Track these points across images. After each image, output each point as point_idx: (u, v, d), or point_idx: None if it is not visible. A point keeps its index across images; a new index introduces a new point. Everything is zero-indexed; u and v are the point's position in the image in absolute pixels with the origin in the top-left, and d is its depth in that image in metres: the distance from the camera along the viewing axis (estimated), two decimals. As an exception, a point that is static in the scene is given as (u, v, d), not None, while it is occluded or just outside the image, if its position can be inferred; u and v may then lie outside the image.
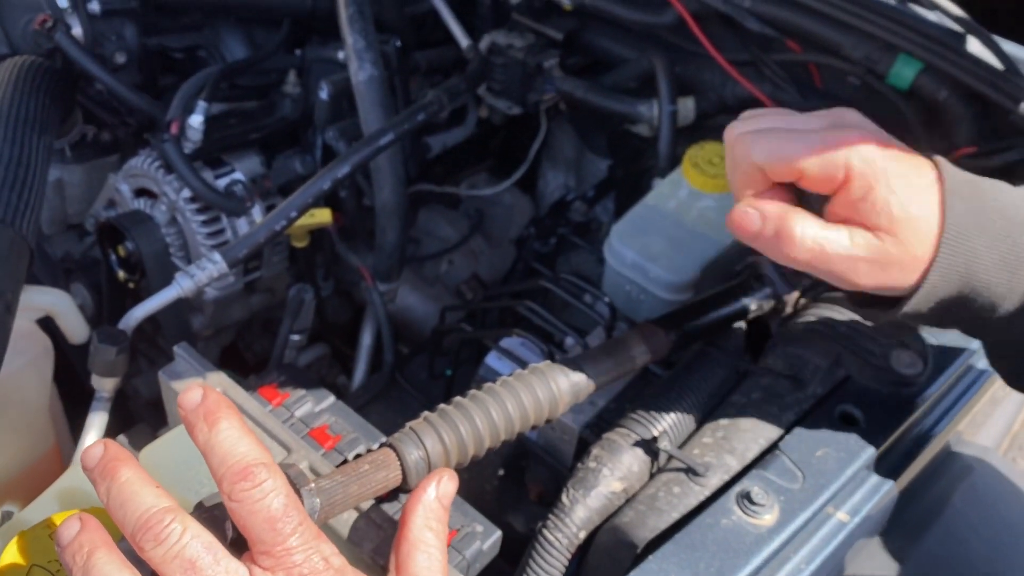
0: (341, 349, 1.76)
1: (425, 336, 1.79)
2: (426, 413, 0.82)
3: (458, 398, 0.84)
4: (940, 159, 0.77)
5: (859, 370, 1.06)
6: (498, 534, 0.86)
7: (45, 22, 1.39)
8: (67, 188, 1.58)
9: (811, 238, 0.74)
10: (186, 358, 0.93)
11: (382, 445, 0.79)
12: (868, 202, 0.73)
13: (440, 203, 1.93)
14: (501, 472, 1.16)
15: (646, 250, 1.27)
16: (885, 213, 0.73)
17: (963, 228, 0.74)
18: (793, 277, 1.08)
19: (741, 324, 1.11)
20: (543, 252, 1.71)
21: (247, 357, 1.78)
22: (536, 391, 0.87)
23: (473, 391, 0.84)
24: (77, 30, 1.44)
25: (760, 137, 0.76)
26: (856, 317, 1.10)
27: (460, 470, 1.19)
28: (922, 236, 0.74)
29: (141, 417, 1.63)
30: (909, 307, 0.78)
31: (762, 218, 0.74)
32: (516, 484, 1.18)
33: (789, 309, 1.10)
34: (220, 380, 0.94)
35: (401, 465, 0.77)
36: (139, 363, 1.68)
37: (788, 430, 1.00)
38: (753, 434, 1.00)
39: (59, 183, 1.57)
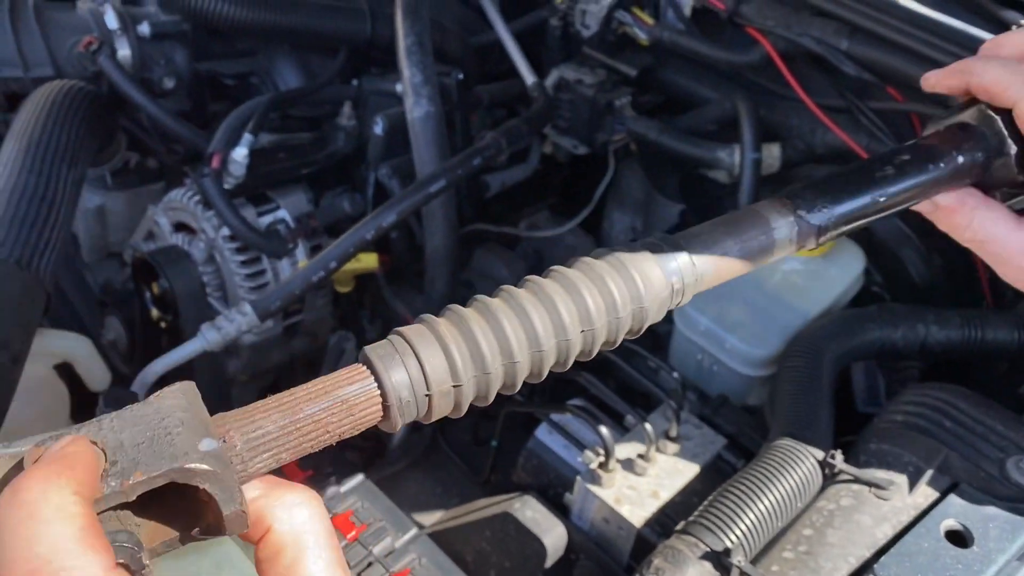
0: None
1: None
2: (426, 315, 0.53)
3: (481, 296, 0.54)
4: None
5: (969, 477, 0.91)
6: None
7: (90, 44, 1.32)
8: (109, 215, 1.52)
9: (973, 233, 0.69)
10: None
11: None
12: None
13: (497, 241, 1.83)
14: (547, 565, 1.03)
15: (722, 317, 1.14)
16: None
17: None
18: None
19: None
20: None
21: (287, 398, 1.69)
22: (610, 285, 0.56)
23: (506, 286, 0.55)
24: (125, 52, 1.38)
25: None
26: (967, 408, 0.96)
27: (499, 560, 1.08)
28: None
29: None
30: None
31: (936, 206, 0.69)
32: (564, 579, 1.05)
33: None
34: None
35: (378, 380, 0.49)
36: (174, 401, 1.60)
37: (884, 547, 0.86)
38: (842, 550, 0.86)
39: (101, 210, 1.50)
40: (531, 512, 1.03)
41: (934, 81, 0.71)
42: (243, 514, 0.41)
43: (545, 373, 0.53)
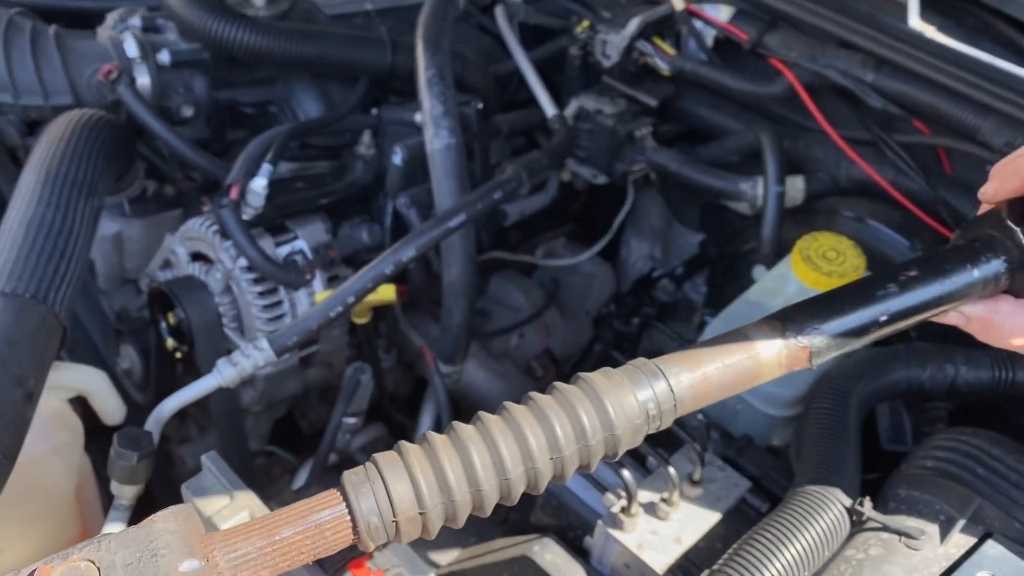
0: (401, 423, 1.63)
1: (491, 416, 1.65)
2: (401, 442, 0.55)
3: (456, 423, 0.56)
4: None
5: (1003, 527, 0.89)
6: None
7: (110, 73, 1.32)
8: (126, 243, 1.51)
9: (1021, 340, 0.68)
10: (213, 471, 0.81)
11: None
12: None
13: (514, 269, 1.81)
14: (566, 610, 1.01)
15: (745, 355, 1.11)
16: None
17: None
18: None
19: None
20: (624, 332, 1.57)
21: (302, 426, 1.67)
22: (580, 414, 0.56)
23: (481, 413, 0.57)
24: (144, 80, 1.37)
25: None
26: (1001, 455, 0.93)
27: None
28: None
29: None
30: None
31: (966, 320, 0.68)
32: (583, 625, 1.02)
33: None
34: (249, 499, 0.82)
35: (349, 508, 0.53)
36: (188, 429, 1.58)
37: (916, 602, 0.83)
38: (872, 603, 0.83)
39: (118, 238, 1.49)
40: (550, 556, 1.01)
41: (992, 192, 0.68)
42: None
43: (516, 497, 0.56)
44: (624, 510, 0.98)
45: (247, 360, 1.03)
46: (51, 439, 1.05)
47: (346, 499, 0.52)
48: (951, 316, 0.68)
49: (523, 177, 1.23)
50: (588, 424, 0.56)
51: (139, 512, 0.98)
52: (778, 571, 0.85)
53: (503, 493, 0.55)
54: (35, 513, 1.06)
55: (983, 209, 0.69)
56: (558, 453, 0.55)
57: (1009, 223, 0.64)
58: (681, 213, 1.73)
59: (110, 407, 1.11)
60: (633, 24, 1.44)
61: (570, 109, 1.49)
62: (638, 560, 0.96)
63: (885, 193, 1.32)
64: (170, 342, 1.31)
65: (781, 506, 0.93)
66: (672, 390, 0.59)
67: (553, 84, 1.56)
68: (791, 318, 0.62)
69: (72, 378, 1.08)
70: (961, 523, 0.89)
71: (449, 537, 1.22)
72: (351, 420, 1.34)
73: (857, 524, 0.92)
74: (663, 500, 1.00)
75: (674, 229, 1.76)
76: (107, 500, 1.26)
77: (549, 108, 1.45)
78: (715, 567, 0.87)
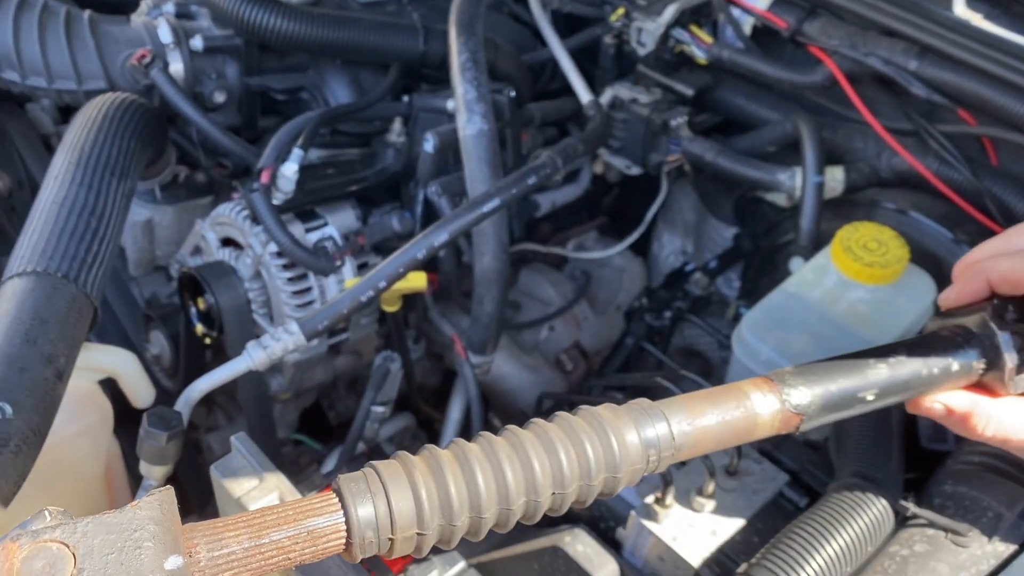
0: (428, 415, 1.62)
1: (519, 409, 1.63)
2: (403, 453, 0.54)
3: (460, 441, 0.56)
4: None
5: (1055, 525, 0.85)
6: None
7: (143, 57, 1.32)
8: (156, 229, 1.51)
9: (994, 432, 0.71)
10: (243, 452, 0.80)
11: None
12: None
13: (544, 262, 1.79)
14: (598, 603, 0.98)
15: (784, 346, 1.09)
16: None
17: None
18: None
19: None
20: (656, 327, 1.54)
21: (330, 416, 1.66)
22: (587, 449, 0.56)
23: (484, 433, 0.57)
24: (177, 66, 1.37)
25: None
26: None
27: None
28: None
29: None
30: None
31: (948, 412, 0.72)
32: (615, 618, 1.00)
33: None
34: (278, 481, 0.81)
35: (346, 517, 0.50)
36: (216, 417, 1.58)
37: (963, 599, 0.80)
38: (917, 600, 0.81)
39: (148, 224, 1.49)
40: (581, 547, 0.99)
41: (954, 297, 0.74)
42: None
43: (511, 526, 0.55)
44: (658, 501, 0.95)
45: (277, 343, 1.02)
46: (80, 420, 1.04)
47: (344, 507, 0.50)
48: (933, 409, 0.72)
49: (558, 163, 1.21)
50: (594, 464, 0.56)
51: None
52: (819, 566, 0.82)
53: (500, 521, 0.54)
54: (63, 494, 1.06)
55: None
56: (561, 489, 0.55)
57: (992, 325, 0.69)
58: (715, 206, 1.70)
59: (140, 389, 1.10)
60: (669, 11, 1.42)
61: (604, 98, 1.47)
62: (672, 552, 0.94)
63: (928, 184, 1.29)
64: (200, 328, 1.30)
65: (822, 500, 0.90)
66: (674, 438, 0.60)
67: (587, 74, 1.54)
68: (788, 382, 0.65)
69: (102, 359, 1.08)
70: (1010, 520, 0.86)
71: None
72: (379, 409, 1.32)
73: (902, 520, 0.90)
74: (698, 492, 0.97)
75: (707, 223, 1.74)
76: (135, 485, 1.26)
77: (584, 94, 1.43)
78: (754, 560, 0.85)
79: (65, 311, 0.93)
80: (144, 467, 0.94)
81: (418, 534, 0.51)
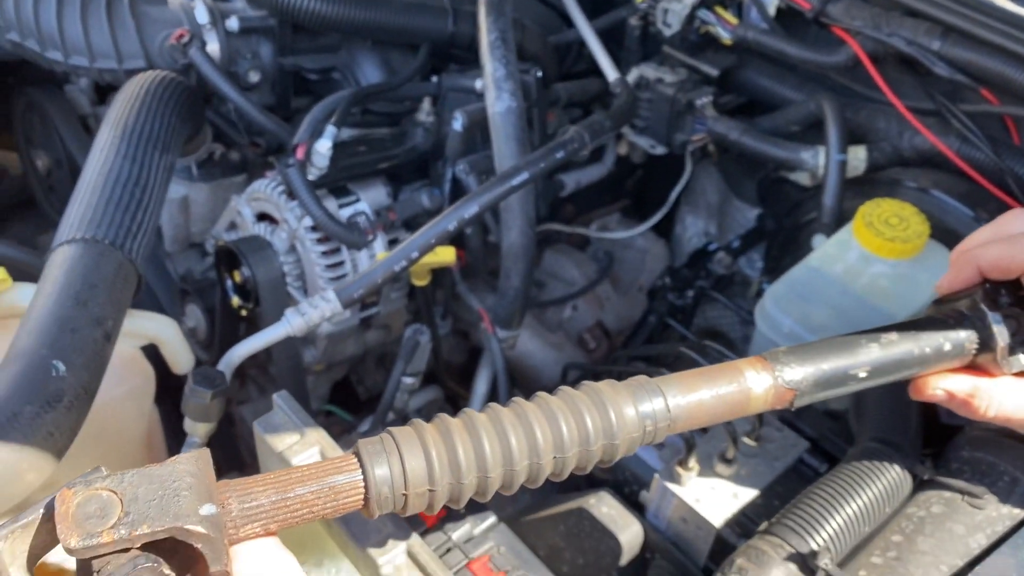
0: (455, 391, 1.66)
1: (543, 386, 1.66)
2: (417, 420, 0.59)
3: (469, 410, 0.61)
4: None
5: (1069, 489, 0.88)
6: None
7: (182, 37, 1.36)
8: (192, 206, 1.55)
9: (996, 413, 0.75)
10: (284, 409, 0.84)
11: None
12: None
13: (568, 243, 1.82)
14: (622, 563, 1.02)
15: (806, 319, 1.11)
16: None
17: None
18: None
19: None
20: (679, 305, 1.56)
21: (359, 391, 1.70)
22: (586, 419, 0.61)
23: (491, 403, 0.62)
24: (214, 46, 1.41)
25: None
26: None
27: (572, 556, 1.07)
28: None
29: (244, 444, 1.57)
30: None
31: (950, 396, 0.75)
32: (638, 579, 1.03)
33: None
34: (319, 436, 0.84)
35: (364, 475, 0.55)
36: (248, 390, 1.63)
37: (978, 558, 0.83)
38: (933, 558, 0.83)
39: (184, 201, 1.53)
40: (606, 508, 1.02)
41: (947, 285, 0.78)
42: (226, 573, 0.49)
43: (516, 487, 0.60)
44: (681, 463, 0.98)
45: (315, 310, 1.06)
46: (125, 384, 1.08)
47: (362, 466, 0.55)
48: (935, 395, 0.76)
49: (585, 138, 1.23)
50: (592, 430, 0.61)
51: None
52: (838, 526, 0.85)
53: (505, 482, 0.59)
54: (107, 454, 1.10)
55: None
56: (561, 453, 0.60)
57: (982, 306, 0.73)
58: (738, 187, 1.72)
59: (180, 355, 1.15)
60: (695, -8, 1.44)
61: (630, 78, 1.49)
62: (695, 513, 0.97)
63: (950, 163, 1.30)
64: (235, 300, 1.34)
65: (841, 464, 0.93)
66: (669, 410, 0.65)
67: (613, 55, 1.56)
68: (781, 360, 0.69)
69: (145, 325, 1.12)
70: (1025, 482, 0.88)
71: (503, 496, 1.24)
72: (409, 380, 1.36)
73: (919, 484, 0.92)
74: (721, 457, 1.00)
75: (731, 204, 1.76)
76: (174, 450, 1.30)
77: (611, 72, 1.46)
78: (774, 520, 0.87)
79: (112, 276, 0.97)
80: (188, 424, 0.98)
81: (429, 491, 0.56)
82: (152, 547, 0.48)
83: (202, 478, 0.50)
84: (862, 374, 0.71)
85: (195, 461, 0.51)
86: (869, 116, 1.40)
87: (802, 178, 1.45)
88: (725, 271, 1.60)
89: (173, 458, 0.51)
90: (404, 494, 0.56)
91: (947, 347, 0.73)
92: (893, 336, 0.73)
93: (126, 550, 0.47)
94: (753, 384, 0.68)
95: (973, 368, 0.76)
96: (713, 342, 1.49)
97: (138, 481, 0.49)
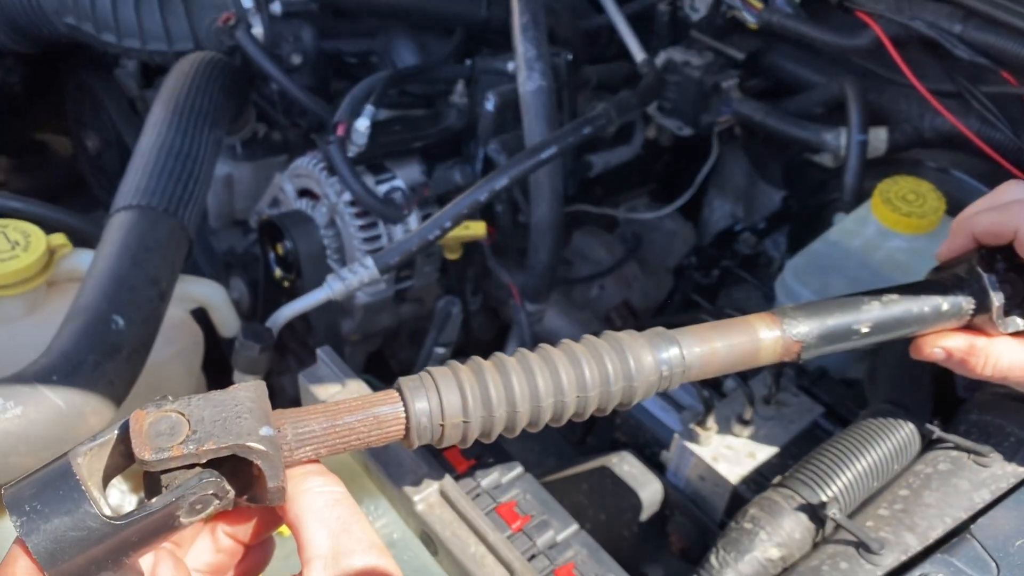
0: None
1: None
2: (453, 361, 0.65)
3: (499, 353, 0.66)
4: None
5: (1073, 450, 0.91)
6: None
7: (228, 20, 1.42)
8: (236, 184, 1.62)
9: (993, 370, 0.80)
10: (327, 363, 0.90)
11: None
12: None
13: (596, 225, 1.87)
14: (642, 519, 1.07)
15: (824, 290, 1.15)
16: None
17: None
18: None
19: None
20: (704, 284, 1.61)
21: (392, 365, 1.77)
22: (606, 362, 0.66)
23: (522, 349, 0.67)
24: (258, 29, 1.47)
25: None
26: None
27: (595, 513, 1.12)
28: None
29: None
30: None
31: (948, 354, 0.80)
32: (657, 534, 1.08)
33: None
34: (359, 387, 0.90)
35: (405, 407, 0.61)
36: (288, 361, 1.69)
37: (981, 512, 0.86)
38: (938, 511, 0.87)
39: (229, 179, 1.60)
40: (628, 467, 1.07)
41: (945, 251, 0.83)
42: (283, 489, 0.54)
43: (543, 424, 0.66)
44: (700, 424, 1.03)
45: (354, 276, 1.12)
46: (175, 344, 1.15)
47: (403, 399, 0.60)
48: (934, 353, 0.81)
49: (612, 115, 1.28)
50: (612, 372, 0.66)
51: None
52: (848, 480, 0.89)
53: (532, 419, 0.65)
54: (159, 411, 1.17)
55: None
56: (584, 392, 0.66)
57: (978, 269, 0.77)
58: (764, 170, 1.75)
59: (227, 319, 1.21)
60: (722, -22, 1.48)
61: (658, 61, 1.54)
62: (712, 471, 1.01)
63: (970, 144, 1.33)
64: (278, 272, 1.41)
65: (853, 424, 0.97)
66: (684, 357, 0.70)
67: (643, 40, 1.61)
68: (789, 315, 0.75)
69: (195, 290, 1.19)
70: (1031, 443, 0.91)
71: (529, 457, 1.30)
72: (441, 350, 1.42)
73: (928, 444, 0.96)
74: (738, 419, 1.05)
75: (757, 187, 1.79)
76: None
77: (638, 53, 1.50)
78: (787, 473, 0.92)
79: (166, 240, 1.04)
80: (237, 376, 1.05)
81: (464, 422, 0.62)
82: (214, 467, 0.53)
83: (260, 404, 0.55)
84: (864, 329, 0.76)
85: (254, 389, 0.56)
86: (891, 98, 1.43)
87: (825, 159, 1.49)
88: (750, 251, 1.64)
89: (233, 386, 0.56)
90: (441, 424, 0.61)
91: (945, 307, 0.78)
92: (894, 296, 0.78)
93: (192, 466, 0.52)
94: (763, 336, 0.73)
95: (970, 329, 0.80)
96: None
97: (203, 404, 0.54)
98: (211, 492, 0.53)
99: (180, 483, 0.52)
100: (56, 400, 0.84)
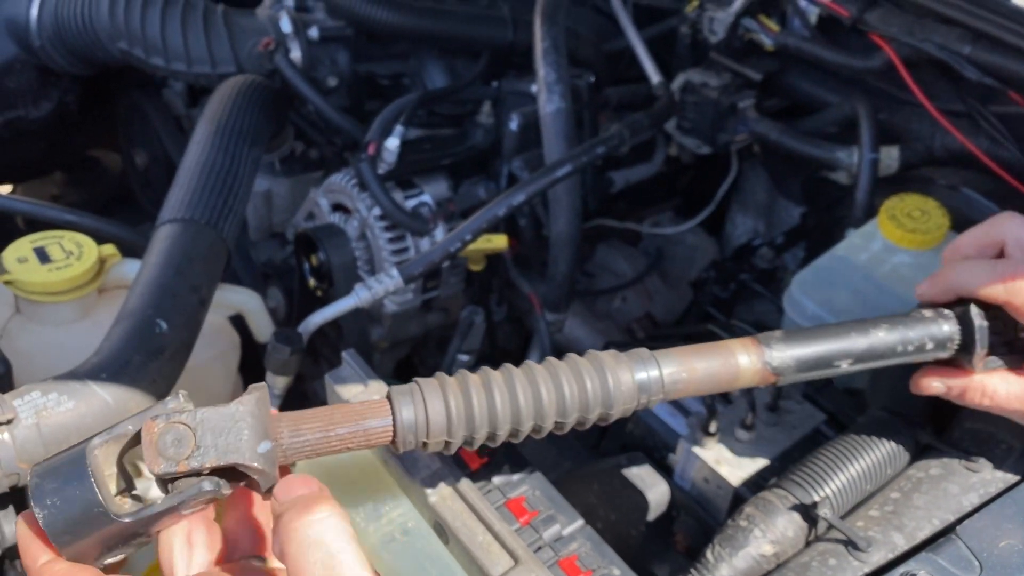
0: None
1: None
2: (440, 373, 0.70)
3: (486, 367, 0.71)
4: None
5: (1063, 457, 0.95)
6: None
7: (268, 45, 1.51)
8: (274, 199, 1.71)
9: (990, 403, 0.87)
10: (352, 365, 0.97)
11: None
12: None
13: (620, 239, 1.92)
14: (649, 519, 1.12)
15: (829, 303, 1.20)
16: None
17: None
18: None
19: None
20: (722, 297, 1.66)
21: (420, 371, 1.83)
22: (586, 381, 0.70)
23: (507, 364, 0.71)
24: (296, 54, 1.56)
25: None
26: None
27: (604, 513, 1.18)
28: None
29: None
30: None
31: (947, 389, 0.87)
32: (664, 533, 1.13)
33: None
34: (380, 388, 0.97)
35: (393, 421, 0.66)
36: (321, 367, 1.77)
37: (969, 514, 0.90)
38: (926, 512, 0.91)
39: (268, 194, 1.69)
40: (636, 469, 1.12)
41: (928, 296, 0.89)
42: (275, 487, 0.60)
43: (521, 439, 0.71)
44: (705, 429, 1.08)
45: (380, 285, 1.19)
46: (214, 348, 1.23)
47: (392, 413, 0.66)
48: (932, 388, 0.88)
49: (625, 135, 1.34)
50: (592, 397, 0.71)
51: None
52: (841, 482, 0.93)
53: (512, 435, 0.71)
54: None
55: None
56: (563, 417, 0.71)
57: (970, 315, 0.81)
58: (784, 186, 1.80)
59: (262, 325, 1.29)
60: (739, 1, 1.54)
61: (677, 82, 1.60)
62: (716, 474, 1.07)
63: (979, 163, 1.37)
64: (312, 282, 1.49)
65: (849, 429, 1.02)
66: (664, 382, 0.74)
67: (664, 63, 1.67)
68: (771, 345, 0.79)
69: (233, 297, 1.27)
70: (1020, 450, 0.95)
71: (546, 460, 1.35)
72: (464, 357, 1.49)
73: (921, 450, 1.00)
74: (741, 424, 1.10)
75: (778, 203, 1.84)
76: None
77: (654, 76, 1.56)
78: (783, 476, 0.97)
79: (207, 251, 1.12)
80: (269, 377, 1.12)
81: (446, 442, 0.69)
82: (216, 470, 0.59)
83: (260, 417, 0.60)
84: (844, 364, 0.82)
85: (255, 402, 0.61)
86: (903, 118, 1.47)
87: (840, 177, 1.53)
88: (767, 265, 1.69)
89: (238, 399, 0.61)
90: (424, 442, 0.68)
91: (929, 345, 0.84)
92: (881, 329, 0.82)
93: (197, 474, 0.59)
94: (743, 363, 0.78)
95: (955, 363, 0.86)
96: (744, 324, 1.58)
97: (209, 418, 0.59)
98: (211, 491, 0.59)
99: (183, 488, 0.59)
100: (105, 396, 0.91)
